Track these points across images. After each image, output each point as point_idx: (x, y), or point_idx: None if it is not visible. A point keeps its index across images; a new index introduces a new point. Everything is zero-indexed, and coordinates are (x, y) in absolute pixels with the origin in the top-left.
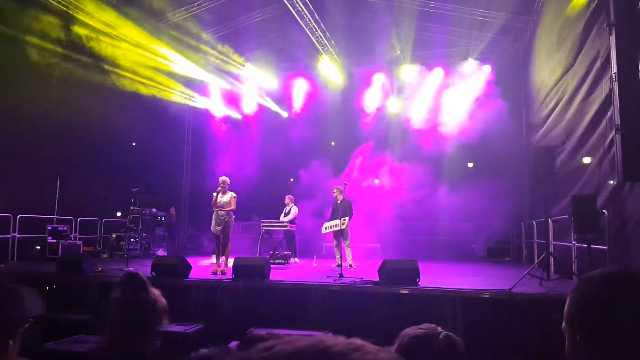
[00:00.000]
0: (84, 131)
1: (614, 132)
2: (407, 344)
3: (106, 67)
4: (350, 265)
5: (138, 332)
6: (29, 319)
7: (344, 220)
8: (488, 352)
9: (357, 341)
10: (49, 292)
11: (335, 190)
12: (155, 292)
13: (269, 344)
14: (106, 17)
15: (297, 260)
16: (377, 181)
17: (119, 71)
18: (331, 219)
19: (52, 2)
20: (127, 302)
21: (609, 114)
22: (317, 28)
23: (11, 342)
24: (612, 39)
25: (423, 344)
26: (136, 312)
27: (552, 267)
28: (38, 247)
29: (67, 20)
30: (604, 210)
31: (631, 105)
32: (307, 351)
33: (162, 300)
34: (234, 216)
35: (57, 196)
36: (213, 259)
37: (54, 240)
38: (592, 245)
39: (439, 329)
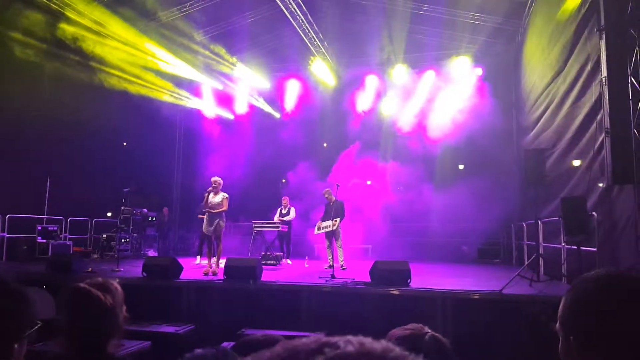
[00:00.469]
0: (75, 131)
1: (603, 135)
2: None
3: (97, 66)
4: (342, 266)
5: (97, 341)
6: (36, 322)
7: (336, 221)
8: (478, 353)
9: (390, 344)
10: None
11: (326, 192)
12: (109, 297)
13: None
14: (97, 16)
15: (289, 261)
16: (368, 182)
17: (110, 70)
18: (324, 220)
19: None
20: (77, 326)
21: (598, 117)
22: (310, 29)
23: (16, 346)
24: (602, 43)
25: (410, 344)
26: (91, 328)
27: (541, 269)
28: (25, 247)
29: (58, 18)
30: (594, 213)
31: (621, 109)
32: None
33: (119, 291)
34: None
35: (47, 196)
36: (198, 260)
37: (44, 241)
38: (581, 247)
39: (426, 328)
